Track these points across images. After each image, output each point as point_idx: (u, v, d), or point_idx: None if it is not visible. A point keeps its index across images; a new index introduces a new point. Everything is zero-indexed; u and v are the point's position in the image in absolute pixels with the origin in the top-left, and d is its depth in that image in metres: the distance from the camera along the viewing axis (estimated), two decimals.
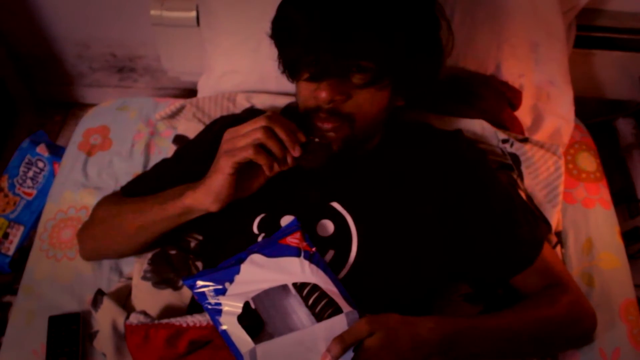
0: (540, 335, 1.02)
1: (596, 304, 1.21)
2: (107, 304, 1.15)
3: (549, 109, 1.42)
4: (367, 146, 1.10)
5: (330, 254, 1.01)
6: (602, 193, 1.42)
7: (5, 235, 1.75)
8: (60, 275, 1.30)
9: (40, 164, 1.81)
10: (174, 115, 1.49)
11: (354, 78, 0.96)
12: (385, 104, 1.01)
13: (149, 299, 1.18)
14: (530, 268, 1.07)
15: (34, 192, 1.79)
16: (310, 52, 0.95)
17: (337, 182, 1.07)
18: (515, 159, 1.31)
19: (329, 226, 1.03)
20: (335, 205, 1.05)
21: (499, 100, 1.37)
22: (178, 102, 1.49)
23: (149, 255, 1.23)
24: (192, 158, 1.20)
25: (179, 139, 1.44)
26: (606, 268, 1.29)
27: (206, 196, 0.98)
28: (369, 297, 0.96)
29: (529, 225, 1.11)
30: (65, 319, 1.21)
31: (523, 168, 1.31)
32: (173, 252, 1.22)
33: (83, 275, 1.29)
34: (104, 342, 1.15)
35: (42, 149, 1.80)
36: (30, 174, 1.81)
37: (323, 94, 0.95)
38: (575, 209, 1.38)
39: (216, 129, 1.20)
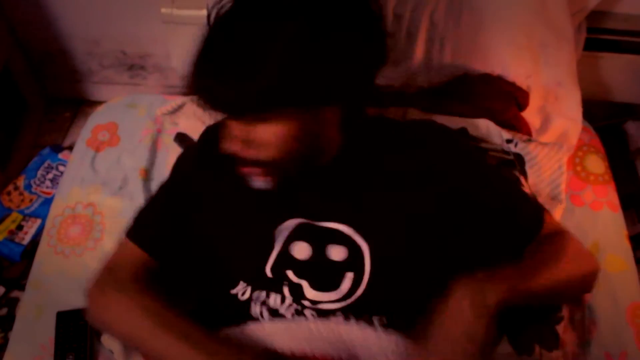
0: (569, 283, 1.02)
1: (603, 307, 1.22)
2: None
3: (556, 111, 1.42)
4: (323, 159, 1.02)
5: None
6: (610, 196, 1.41)
7: (20, 227, 1.78)
8: (68, 270, 1.31)
9: (62, 168, 1.87)
10: (174, 111, 1.50)
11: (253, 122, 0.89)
12: (302, 128, 0.91)
13: None
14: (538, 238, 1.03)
15: (53, 191, 1.82)
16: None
17: (301, 197, 1.03)
18: (520, 159, 1.31)
19: (304, 249, 1.00)
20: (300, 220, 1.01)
21: (506, 100, 1.37)
22: (180, 99, 1.50)
23: None
24: (177, 198, 1.12)
25: (180, 137, 1.45)
26: (613, 271, 1.29)
27: None
28: (390, 307, 0.94)
29: (530, 202, 1.09)
30: (73, 314, 1.22)
31: (527, 168, 1.30)
32: None
33: (91, 272, 1.29)
34: (111, 339, 1.16)
35: (65, 155, 1.85)
36: (50, 176, 1.87)
37: (232, 148, 0.92)
38: (583, 211, 1.37)
39: (186, 168, 1.16)
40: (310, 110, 0.90)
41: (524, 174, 1.31)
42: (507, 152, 1.32)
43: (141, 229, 1.10)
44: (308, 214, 1.01)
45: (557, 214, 1.30)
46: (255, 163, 0.93)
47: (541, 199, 1.29)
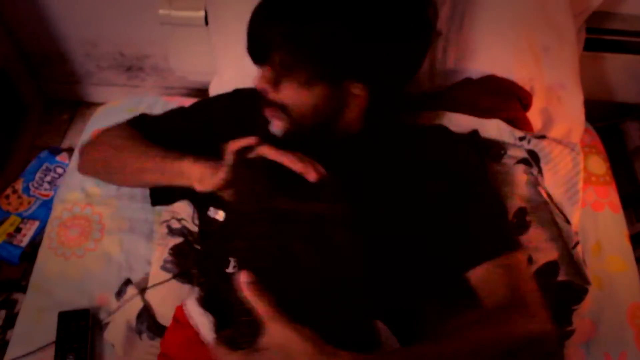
0: None
1: (603, 307, 1.23)
2: (130, 293, 1.19)
3: (559, 112, 1.41)
4: (340, 134, 1.08)
5: None
6: (611, 196, 1.42)
7: (18, 230, 1.78)
8: (69, 272, 1.31)
9: (60, 170, 1.87)
10: None
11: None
12: (320, 96, 0.99)
13: (166, 290, 1.19)
14: (491, 266, 0.96)
15: (52, 192, 1.82)
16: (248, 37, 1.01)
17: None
18: (534, 155, 1.29)
19: None
20: None
21: (508, 100, 1.36)
22: None
23: (170, 244, 1.24)
24: (206, 119, 1.20)
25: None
26: (614, 271, 1.30)
27: (202, 174, 0.98)
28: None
29: (503, 223, 1.05)
30: (74, 315, 1.22)
31: (542, 164, 1.29)
32: (198, 247, 1.22)
33: (92, 273, 1.30)
34: (115, 333, 1.17)
35: (63, 157, 1.86)
36: (48, 178, 1.87)
37: (255, 82, 1.00)
38: (585, 212, 1.37)
39: (234, 99, 1.23)
40: (336, 86, 0.99)
41: (540, 172, 1.29)
42: (523, 151, 1.31)
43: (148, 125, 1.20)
44: None
45: (576, 216, 1.28)
46: (276, 107, 1.00)
47: (556, 200, 1.28)
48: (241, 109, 1.15)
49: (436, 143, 1.10)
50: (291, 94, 0.99)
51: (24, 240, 1.77)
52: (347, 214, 0.92)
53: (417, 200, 1.02)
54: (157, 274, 1.22)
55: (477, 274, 0.97)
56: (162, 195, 1.20)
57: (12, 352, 1.21)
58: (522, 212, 1.24)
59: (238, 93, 1.24)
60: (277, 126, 1.02)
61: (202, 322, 0.95)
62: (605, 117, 1.92)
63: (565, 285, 1.17)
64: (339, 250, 0.92)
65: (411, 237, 1.01)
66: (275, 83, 0.99)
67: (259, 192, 0.92)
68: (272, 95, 1.00)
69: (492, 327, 0.89)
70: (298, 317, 0.78)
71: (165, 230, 1.28)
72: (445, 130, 1.14)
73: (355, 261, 0.93)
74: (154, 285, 1.22)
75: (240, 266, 0.88)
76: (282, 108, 1.00)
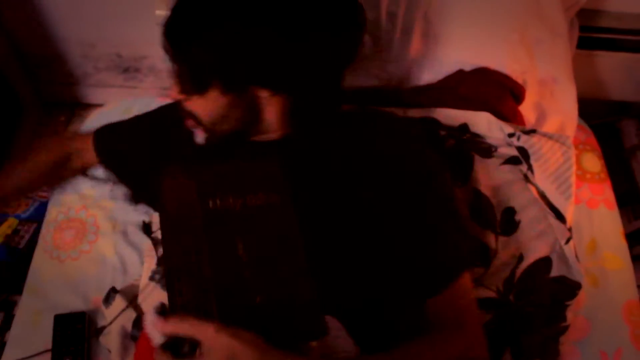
0: None
1: (599, 305, 1.23)
2: (118, 302, 1.18)
3: (552, 107, 1.41)
4: (269, 136, 1.03)
5: None
6: (606, 194, 1.42)
7: (16, 232, 1.78)
8: (64, 275, 1.31)
9: None
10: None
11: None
12: (225, 104, 0.95)
13: (159, 298, 1.19)
14: (445, 293, 0.93)
15: (49, 194, 1.82)
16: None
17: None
18: (524, 152, 1.26)
19: None
20: None
21: (500, 90, 1.36)
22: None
23: (158, 255, 1.24)
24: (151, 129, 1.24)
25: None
26: (610, 269, 1.29)
27: None
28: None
29: (456, 239, 0.98)
30: (70, 318, 1.22)
31: (532, 161, 1.25)
32: None
33: (87, 275, 1.30)
34: (110, 338, 1.16)
35: None
36: None
37: (175, 95, 0.98)
38: (580, 209, 1.37)
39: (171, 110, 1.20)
40: (239, 94, 0.94)
41: (531, 169, 1.26)
42: (512, 148, 1.29)
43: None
44: None
45: (570, 210, 1.24)
46: (191, 116, 0.98)
47: (550, 195, 1.25)
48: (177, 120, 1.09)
49: (384, 136, 1.03)
50: (199, 104, 0.96)
51: (22, 242, 1.77)
52: (289, 201, 0.86)
53: (360, 199, 0.97)
54: (146, 285, 1.22)
55: (431, 304, 0.94)
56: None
57: (8, 354, 1.21)
58: (510, 211, 1.23)
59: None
60: (199, 136, 1.00)
61: (154, 332, 0.94)
62: (602, 115, 1.92)
63: (558, 280, 1.17)
64: (282, 238, 0.85)
65: (355, 237, 0.97)
66: (185, 93, 0.96)
67: (189, 201, 0.84)
68: (186, 104, 0.97)
69: (429, 350, 0.88)
70: (242, 317, 0.75)
71: (152, 242, 1.28)
72: (395, 119, 1.10)
73: (300, 248, 0.85)
74: (142, 301, 1.22)
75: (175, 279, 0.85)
76: (195, 117, 0.98)
